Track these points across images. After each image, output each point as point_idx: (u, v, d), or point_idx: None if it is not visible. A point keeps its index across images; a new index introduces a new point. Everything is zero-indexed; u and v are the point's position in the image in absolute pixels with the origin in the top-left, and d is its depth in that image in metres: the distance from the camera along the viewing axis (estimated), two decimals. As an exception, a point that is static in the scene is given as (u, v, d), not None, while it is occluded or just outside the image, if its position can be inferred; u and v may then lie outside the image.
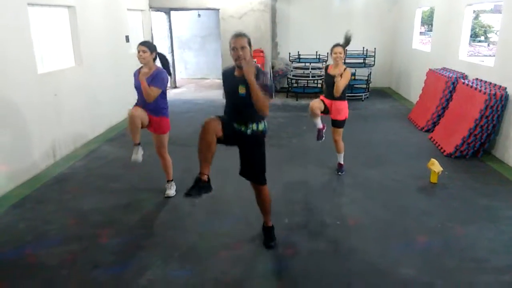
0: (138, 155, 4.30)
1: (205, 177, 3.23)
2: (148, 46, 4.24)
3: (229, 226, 4.02)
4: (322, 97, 5.13)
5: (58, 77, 5.93)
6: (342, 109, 4.99)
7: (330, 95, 4.96)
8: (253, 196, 3.57)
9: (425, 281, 3.17)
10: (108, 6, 7.58)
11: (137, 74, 4.28)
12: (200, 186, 3.21)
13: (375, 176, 5.25)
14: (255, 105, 3.12)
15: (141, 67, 4.27)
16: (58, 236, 3.83)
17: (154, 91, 4.15)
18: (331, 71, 4.97)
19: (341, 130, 5.09)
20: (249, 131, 3.28)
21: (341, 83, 4.77)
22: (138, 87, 4.28)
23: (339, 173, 5.26)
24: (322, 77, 10.39)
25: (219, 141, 3.25)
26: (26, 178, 5.08)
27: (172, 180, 4.67)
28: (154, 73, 4.23)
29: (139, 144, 4.30)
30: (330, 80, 4.92)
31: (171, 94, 11.29)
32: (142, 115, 4.20)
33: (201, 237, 3.83)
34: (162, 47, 12.15)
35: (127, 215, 4.24)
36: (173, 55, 11.94)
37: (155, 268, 3.34)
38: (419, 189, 4.89)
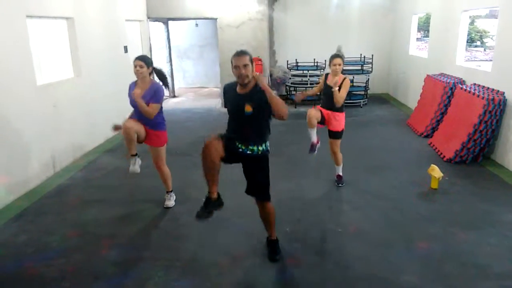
0: (136, 166, 4.29)
1: (214, 195, 3.28)
2: (145, 60, 4.19)
3: (230, 236, 4.01)
4: (319, 107, 4.97)
5: (57, 89, 5.94)
6: (340, 120, 4.89)
7: (329, 106, 4.86)
8: (254, 207, 3.55)
9: (428, 288, 3.16)
10: (107, 17, 7.63)
11: (133, 87, 4.24)
12: (211, 205, 3.29)
13: (375, 182, 5.25)
14: (276, 111, 3.10)
15: (136, 80, 4.26)
16: (59, 248, 3.81)
17: (154, 108, 4.15)
18: (329, 81, 4.85)
19: (339, 141, 4.99)
20: (249, 152, 3.27)
21: (341, 94, 4.73)
22: (131, 103, 4.23)
23: (339, 184, 5.17)
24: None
25: (221, 160, 3.21)
26: (26, 190, 5.07)
27: (171, 191, 4.66)
28: (152, 88, 4.19)
29: (136, 155, 4.27)
30: (328, 90, 4.81)
31: (169, 103, 11.32)
32: (137, 127, 4.13)
33: (202, 247, 3.81)
34: (161, 57, 12.22)
35: (128, 226, 4.23)
36: (171, 65, 11.99)
37: (156, 278, 3.32)
38: (420, 195, 4.88)
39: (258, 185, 3.40)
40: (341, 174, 5.20)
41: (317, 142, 5.03)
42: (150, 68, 4.24)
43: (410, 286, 3.19)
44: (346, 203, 4.68)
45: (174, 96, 12.25)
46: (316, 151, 5.05)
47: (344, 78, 4.80)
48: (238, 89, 3.28)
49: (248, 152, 3.27)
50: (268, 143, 3.38)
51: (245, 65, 3.14)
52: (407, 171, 5.65)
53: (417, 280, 3.25)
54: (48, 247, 3.83)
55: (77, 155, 6.40)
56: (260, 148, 3.30)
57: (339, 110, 4.86)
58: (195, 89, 13.81)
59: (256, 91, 3.20)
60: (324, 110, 4.93)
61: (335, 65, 4.78)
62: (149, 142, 4.34)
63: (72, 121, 6.28)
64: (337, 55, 4.84)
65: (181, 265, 3.51)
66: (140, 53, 9.62)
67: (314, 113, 4.84)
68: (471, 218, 4.27)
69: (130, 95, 4.24)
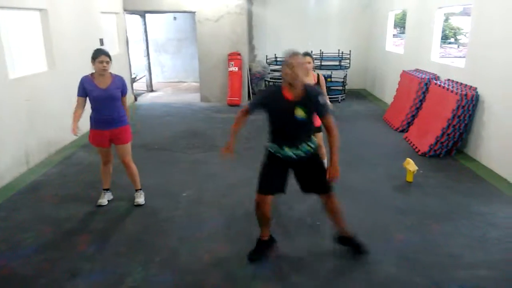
0: (105, 199, 4.51)
1: (265, 238, 3.54)
2: (109, 55, 4.11)
3: (209, 229, 4.00)
4: None
5: (31, 82, 5.78)
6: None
7: None
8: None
9: (404, 279, 3.24)
10: (81, 9, 7.45)
11: (90, 81, 4.11)
12: (262, 246, 3.53)
13: (352, 176, 5.32)
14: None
15: (92, 73, 4.14)
16: (34, 244, 3.73)
17: (127, 100, 4.32)
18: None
19: (321, 134, 5.05)
20: (302, 153, 3.23)
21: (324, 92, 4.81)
22: (99, 98, 4.09)
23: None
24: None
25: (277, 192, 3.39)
26: (-2, 186, 4.93)
27: (141, 189, 4.58)
28: (118, 81, 4.20)
29: (108, 189, 4.57)
30: None
31: (147, 97, 11.17)
32: (111, 155, 4.37)
33: (181, 241, 3.79)
34: (138, 50, 12.03)
35: (105, 222, 4.16)
36: (148, 58, 11.82)
37: (135, 274, 3.29)
38: (396, 188, 4.99)
39: (321, 180, 3.33)
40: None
41: None
42: (111, 61, 4.17)
43: (387, 276, 3.26)
44: (324, 197, 4.73)
45: (152, 91, 12.09)
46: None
47: (318, 76, 4.85)
48: (285, 93, 3.12)
49: (302, 154, 3.23)
50: (315, 141, 3.33)
51: (306, 63, 3.12)
52: (383, 165, 5.75)
53: (395, 271, 3.33)
54: (23, 244, 3.73)
55: (51, 151, 6.25)
56: (312, 145, 3.28)
57: None
58: (173, 83, 13.67)
59: (308, 96, 3.11)
60: None
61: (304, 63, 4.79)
62: (117, 142, 4.29)
63: (46, 116, 6.12)
64: (306, 53, 4.78)
65: (160, 260, 3.49)
66: (116, 46, 9.48)
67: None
68: (445, 210, 4.39)
69: (93, 90, 4.09)
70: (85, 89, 4.12)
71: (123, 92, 4.25)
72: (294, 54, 3.09)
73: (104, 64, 4.03)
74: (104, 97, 4.10)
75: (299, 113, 3.09)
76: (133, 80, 11.12)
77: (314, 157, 3.33)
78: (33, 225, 4.09)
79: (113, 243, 3.77)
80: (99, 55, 4.05)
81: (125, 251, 3.62)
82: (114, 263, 3.45)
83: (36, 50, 6.19)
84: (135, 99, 10.64)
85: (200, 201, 4.62)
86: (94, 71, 4.14)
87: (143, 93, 11.79)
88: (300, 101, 3.10)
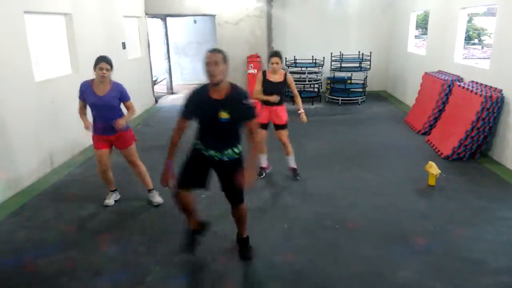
0: (111, 200, 4.58)
1: (194, 227, 3.48)
2: (110, 63, 4.11)
3: (227, 230, 4.01)
4: (258, 104, 4.93)
5: (55, 85, 5.93)
6: (282, 114, 5.03)
7: (271, 102, 4.90)
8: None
9: (425, 284, 3.17)
10: (105, 13, 7.61)
11: (89, 88, 4.13)
12: (193, 235, 3.49)
13: (373, 179, 5.26)
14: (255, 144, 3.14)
15: (93, 79, 4.15)
16: (57, 243, 3.82)
17: (133, 105, 4.35)
18: (271, 77, 4.92)
19: (286, 131, 5.07)
20: (225, 158, 3.15)
21: (295, 91, 5.07)
22: (95, 105, 4.13)
23: (297, 178, 5.20)
24: (319, 81, 10.45)
25: (197, 187, 3.32)
26: (23, 186, 5.07)
27: (153, 189, 4.60)
28: (117, 87, 4.20)
29: (115, 190, 4.65)
30: (272, 87, 4.89)
31: (168, 99, 11.30)
32: (108, 162, 4.42)
33: (200, 243, 3.81)
34: (159, 53, 12.19)
35: (126, 222, 4.23)
36: (169, 61, 11.96)
37: (154, 273, 3.33)
38: (417, 192, 4.90)
39: (235, 192, 3.25)
40: (294, 166, 5.25)
41: (268, 167, 5.32)
42: (112, 69, 4.16)
43: (407, 282, 3.21)
44: (343, 200, 4.69)
45: (172, 93, 12.23)
46: (264, 175, 5.25)
47: (285, 74, 4.95)
48: (211, 93, 3.01)
49: (225, 158, 3.15)
50: (241, 146, 3.22)
51: (216, 62, 2.88)
52: (405, 168, 5.66)
53: (415, 276, 3.27)
54: (46, 242, 3.84)
55: (75, 152, 6.39)
56: (236, 150, 3.17)
57: (280, 104, 5.01)
58: (193, 85, 13.73)
59: (233, 97, 2.99)
60: (265, 108, 4.98)
61: (273, 63, 4.86)
62: (119, 146, 4.38)
63: (70, 118, 6.24)
64: (276, 53, 4.90)
65: (179, 260, 3.52)
66: (138, 49, 9.64)
67: (263, 138, 5.00)
68: (468, 214, 4.29)
69: (90, 96, 4.13)
70: (83, 94, 4.17)
71: (123, 99, 4.25)
72: (213, 50, 2.96)
73: (104, 71, 4.04)
74: (100, 105, 4.13)
75: (223, 114, 2.97)
76: (154, 83, 11.27)
77: (238, 163, 3.20)
78: (56, 224, 4.20)
79: (133, 242, 3.83)
80: (99, 62, 4.06)
81: (145, 251, 3.67)
82: (134, 262, 3.50)
83: (60, 54, 6.35)
84: (156, 102, 10.78)
85: (218, 202, 4.64)
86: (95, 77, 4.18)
87: (164, 95, 11.93)
88: (224, 102, 2.97)
